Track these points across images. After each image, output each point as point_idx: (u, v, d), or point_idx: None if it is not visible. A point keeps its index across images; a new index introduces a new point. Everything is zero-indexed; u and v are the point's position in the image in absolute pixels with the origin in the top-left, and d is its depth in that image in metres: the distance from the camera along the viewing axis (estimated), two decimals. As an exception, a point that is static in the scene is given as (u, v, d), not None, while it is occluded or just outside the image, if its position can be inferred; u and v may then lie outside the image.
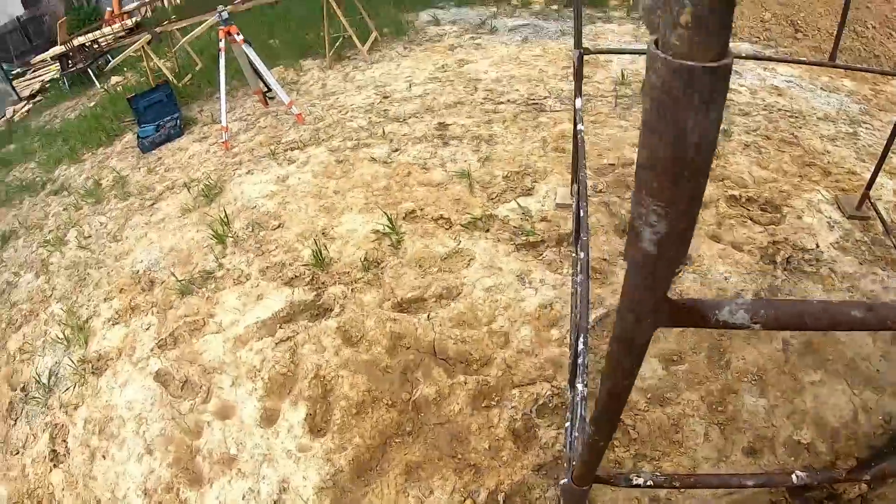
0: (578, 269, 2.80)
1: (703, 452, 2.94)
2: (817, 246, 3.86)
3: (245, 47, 5.91)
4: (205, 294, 4.22)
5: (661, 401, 3.07)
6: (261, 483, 3.07)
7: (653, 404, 3.06)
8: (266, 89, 6.39)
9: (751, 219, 3.99)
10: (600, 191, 4.31)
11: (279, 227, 4.65)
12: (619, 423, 2.99)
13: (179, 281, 4.30)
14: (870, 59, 7.86)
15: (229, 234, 4.67)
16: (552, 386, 3.16)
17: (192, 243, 4.82)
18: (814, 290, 3.60)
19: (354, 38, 7.28)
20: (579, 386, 2.39)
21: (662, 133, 0.66)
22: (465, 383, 3.31)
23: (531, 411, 3.17)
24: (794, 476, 2.11)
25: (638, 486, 2.04)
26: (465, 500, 3.01)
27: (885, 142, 3.71)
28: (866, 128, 5.67)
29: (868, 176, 4.02)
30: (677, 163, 0.67)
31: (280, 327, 3.84)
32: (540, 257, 3.84)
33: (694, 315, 0.98)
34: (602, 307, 3.40)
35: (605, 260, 3.70)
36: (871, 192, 4.04)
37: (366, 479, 3.06)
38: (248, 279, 4.24)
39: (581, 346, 2.31)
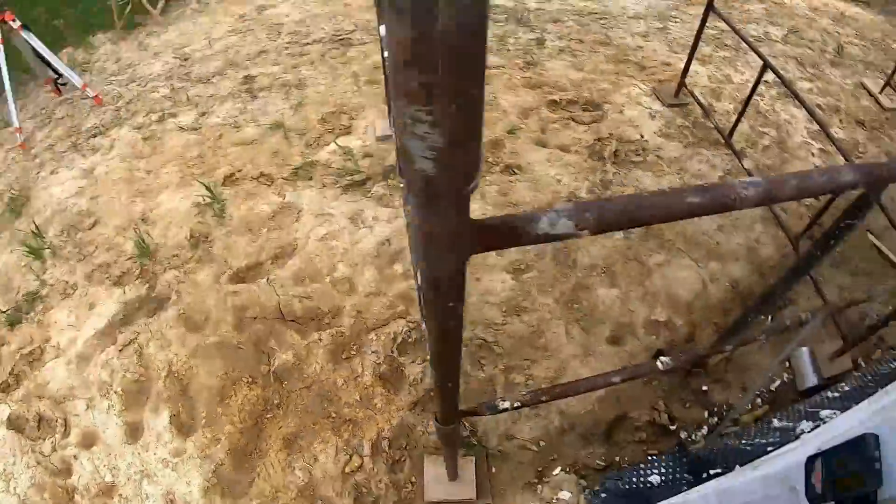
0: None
1: (569, 351, 2.97)
2: (642, 136, 3.99)
3: (24, 33, 5.13)
4: (34, 318, 3.69)
5: (517, 311, 3.05)
6: (146, 503, 2.77)
7: (510, 316, 3.04)
8: (56, 76, 5.62)
9: (573, 119, 4.05)
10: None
11: (95, 224, 4.13)
12: (483, 342, 2.94)
13: (4, 312, 3.73)
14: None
15: (45, 246, 4.11)
16: (407, 321, 3.05)
17: (9, 266, 4.20)
18: (644, 178, 3.72)
19: (144, 1, 6.56)
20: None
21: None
22: (321, 340, 3.13)
23: (392, 351, 3.05)
24: (659, 363, 2.12)
25: (505, 410, 1.97)
26: (350, 458, 2.87)
27: (694, 33, 3.85)
28: (675, 22, 5.97)
29: (682, 66, 4.17)
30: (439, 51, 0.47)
31: (119, 332, 3.44)
32: (369, 195, 3.67)
33: (508, 234, 0.86)
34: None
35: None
36: (686, 80, 4.21)
37: (249, 465, 2.86)
38: (75, 289, 3.75)
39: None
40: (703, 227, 3.52)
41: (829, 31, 5.81)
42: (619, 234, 3.33)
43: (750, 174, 3.54)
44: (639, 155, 3.86)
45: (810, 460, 1.33)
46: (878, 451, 1.17)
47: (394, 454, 2.85)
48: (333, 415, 3.00)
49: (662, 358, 1.93)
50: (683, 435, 2.88)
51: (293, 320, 3.18)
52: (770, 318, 3.27)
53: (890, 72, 4.85)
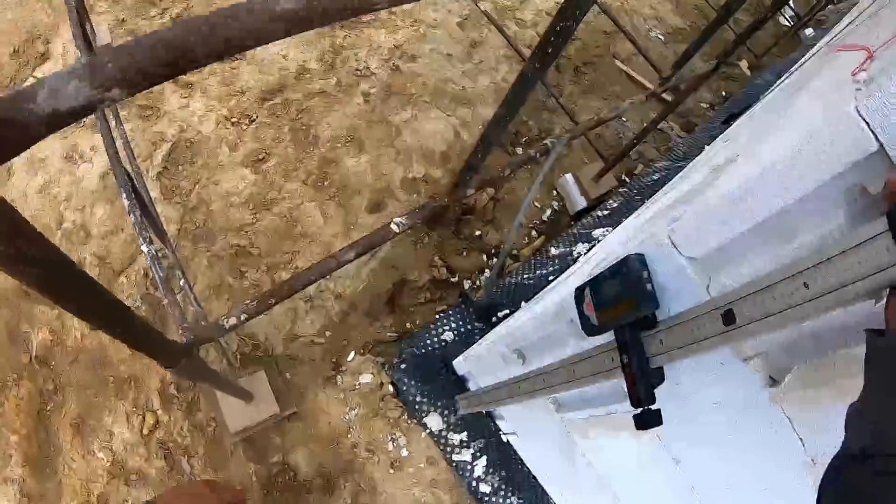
0: (111, 118, 2.27)
1: (330, 231, 2.79)
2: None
3: None
4: None
5: (266, 205, 2.79)
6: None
7: (260, 212, 2.77)
8: None
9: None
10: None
11: None
12: (238, 248, 2.67)
13: None
14: None
15: None
16: (155, 250, 2.71)
17: None
18: (378, 35, 3.48)
19: None
20: (144, 247, 1.94)
21: None
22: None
23: (147, 289, 2.71)
24: (393, 225, 1.96)
25: (234, 327, 1.74)
26: (143, 418, 2.57)
27: None
28: None
29: None
30: None
31: None
32: (81, 124, 3.15)
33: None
34: (166, 142, 2.92)
35: (151, 93, 3.14)
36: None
37: (50, 469, 2.48)
38: None
39: (126, 201, 1.84)
40: (446, 75, 3.40)
41: None
42: (359, 100, 3.13)
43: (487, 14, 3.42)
44: (368, 15, 3.60)
45: (579, 291, 1.22)
46: (646, 272, 1.04)
47: (185, 397, 2.59)
48: (111, 378, 2.65)
49: (396, 219, 1.78)
50: (467, 285, 2.86)
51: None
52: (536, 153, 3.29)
53: None
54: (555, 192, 3.25)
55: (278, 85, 3.09)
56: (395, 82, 3.25)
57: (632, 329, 1.08)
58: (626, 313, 1.07)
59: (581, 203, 3.16)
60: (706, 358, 0.99)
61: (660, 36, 4.53)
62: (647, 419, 1.06)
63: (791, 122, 0.88)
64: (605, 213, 3.07)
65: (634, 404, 1.07)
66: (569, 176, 3.20)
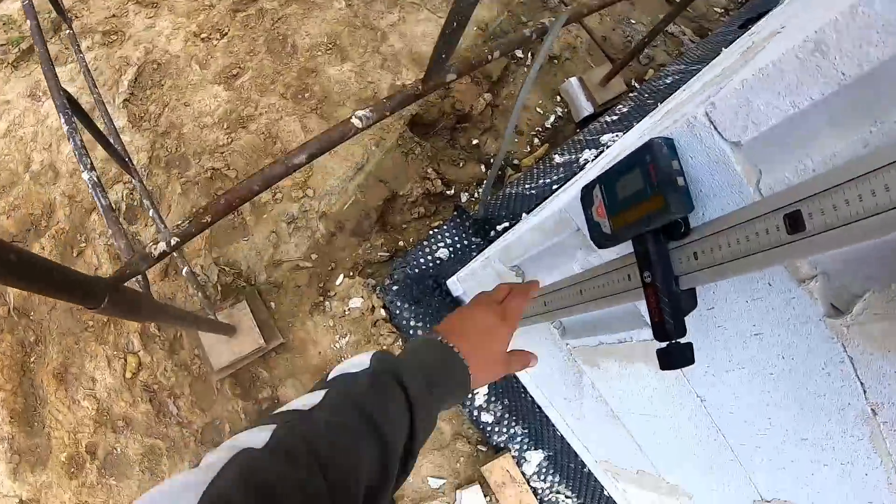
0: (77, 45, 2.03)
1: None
2: None
3: None
4: None
5: (242, 123, 2.53)
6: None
7: (235, 132, 2.52)
8: None
9: None
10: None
11: None
12: (213, 171, 2.44)
13: None
14: None
15: None
16: (125, 184, 2.51)
17: None
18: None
19: None
20: (85, 174, 1.69)
21: None
22: (45, 249, 2.52)
23: (121, 224, 2.49)
24: (354, 120, 1.64)
25: (164, 254, 1.48)
26: (126, 360, 2.41)
27: None
28: None
29: None
30: None
31: None
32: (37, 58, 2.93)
33: None
34: (131, 66, 2.67)
35: (114, 17, 2.88)
36: None
37: (38, 422, 2.40)
38: None
39: (65, 125, 1.60)
40: (436, -26, 3.07)
41: None
42: (340, 4, 2.82)
43: None
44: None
45: (586, 190, 0.89)
46: (676, 161, 0.71)
47: (166, 336, 2.39)
48: (90, 323, 2.47)
49: (359, 112, 1.46)
50: (464, 198, 2.57)
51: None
52: (530, 55, 2.95)
53: None
54: (558, 97, 2.91)
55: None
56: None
57: (656, 239, 0.76)
58: (649, 217, 0.74)
59: (587, 109, 2.82)
60: (752, 278, 0.71)
61: None
62: (675, 356, 0.78)
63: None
64: (614, 118, 2.71)
65: (659, 336, 0.78)
66: (573, 80, 2.85)
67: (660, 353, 0.79)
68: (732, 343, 0.84)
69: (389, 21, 2.80)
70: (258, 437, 0.52)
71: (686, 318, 0.77)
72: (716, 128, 0.66)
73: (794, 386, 0.77)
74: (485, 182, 2.38)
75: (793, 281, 0.68)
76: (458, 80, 2.70)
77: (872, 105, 0.52)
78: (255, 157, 2.47)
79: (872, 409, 0.68)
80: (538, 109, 2.83)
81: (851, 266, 0.63)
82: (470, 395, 2.26)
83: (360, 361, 0.71)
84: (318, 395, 0.62)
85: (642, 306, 0.87)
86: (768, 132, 0.61)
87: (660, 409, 1.19)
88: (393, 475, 0.61)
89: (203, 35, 2.71)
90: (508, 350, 0.88)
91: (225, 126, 2.52)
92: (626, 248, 0.85)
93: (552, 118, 2.85)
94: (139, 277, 1.35)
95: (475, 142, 2.68)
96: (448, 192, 2.54)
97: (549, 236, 1.18)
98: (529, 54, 2.92)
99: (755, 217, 0.61)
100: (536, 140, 2.78)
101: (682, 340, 0.77)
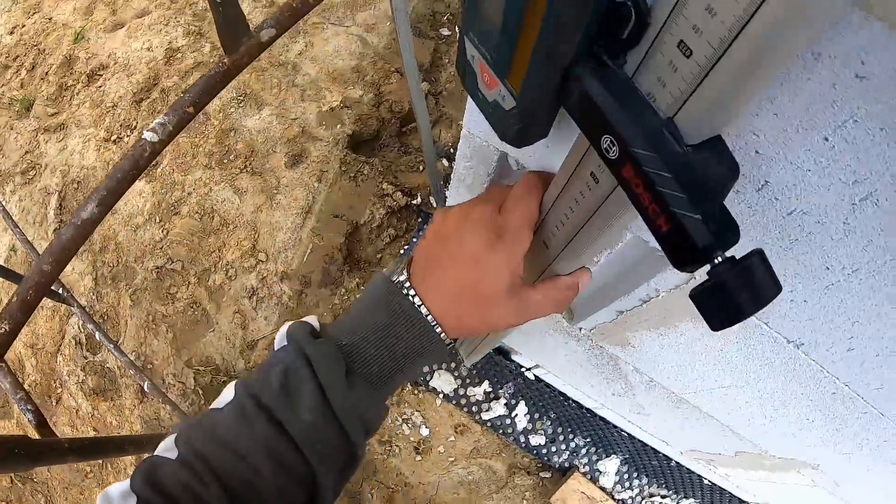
0: None
1: (251, 206, 2.26)
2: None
3: None
4: None
5: (172, 210, 2.29)
6: None
7: (168, 221, 2.28)
8: None
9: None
10: None
11: None
12: (157, 269, 2.20)
13: None
14: None
15: None
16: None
17: None
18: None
19: None
20: None
21: None
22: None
23: (86, 357, 2.27)
24: (147, 135, 1.33)
25: None
26: None
27: None
28: None
29: None
30: None
31: None
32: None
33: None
34: (52, 194, 2.47)
35: (28, 153, 2.73)
36: None
37: None
38: None
39: None
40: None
41: None
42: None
43: None
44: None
45: (462, 62, 0.40)
46: None
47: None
48: (87, 470, 2.26)
49: (151, 126, 1.17)
50: (434, 201, 2.25)
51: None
52: (457, 28, 2.65)
53: None
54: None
55: (150, 79, 2.60)
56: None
57: (593, 68, 0.34)
58: (547, 28, 0.33)
59: None
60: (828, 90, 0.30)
61: None
62: (734, 292, 0.32)
63: None
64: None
65: (682, 258, 0.34)
66: None
67: (701, 296, 0.34)
68: (825, 234, 0.41)
69: (296, 51, 2.55)
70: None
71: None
72: None
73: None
74: (434, 182, 2.06)
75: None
76: (389, 81, 2.42)
77: None
78: (197, 239, 2.21)
79: None
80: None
81: None
82: (508, 419, 1.88)
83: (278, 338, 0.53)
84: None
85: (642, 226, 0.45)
86: None
87: (736, 377, 0.77)
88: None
89: (113, 137, 2.51)
90: (531, 280, 0.56)
91: (157, 220, 2.27)
92: (564, 131, 0.48)
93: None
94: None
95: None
96: (414, 202, 2.22)
97: (472, 175, 0.81)
98: (456, 27, 2.62)
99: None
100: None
101: (729, 254, 0.33)
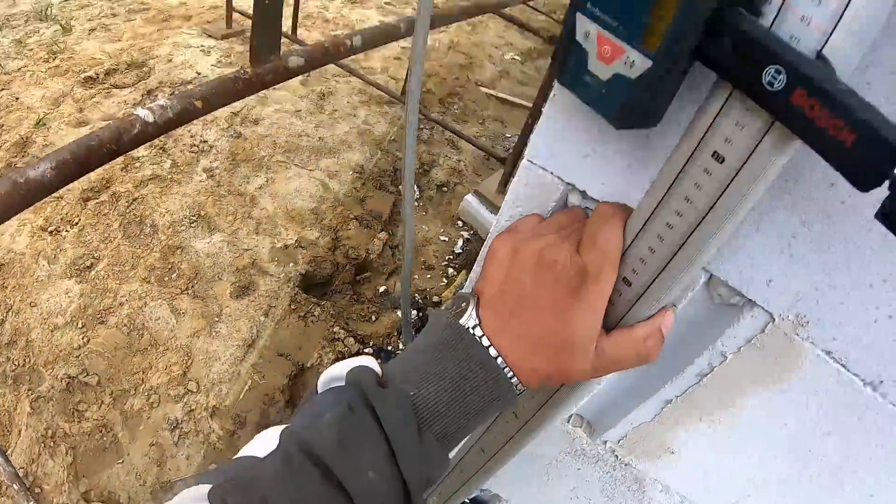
0: None
1: (188, 329, 2.23)
2: (198, 73, 3.37)
3: None
4: None
5: (99, 317, 2.22)
6: None
7: (92, 329, 2.19)
8: None
9: (115, 86, 3.26)
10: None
11: None
12: (70, 380, 2.08)
13: None
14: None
15: None
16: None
17: None
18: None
19: None
20: None
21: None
22: None
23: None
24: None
25: None
26: None
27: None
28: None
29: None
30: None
31: None
32: None
33: None
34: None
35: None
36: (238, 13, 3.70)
37: None
38: None
39: None
40: (298, 129, 3.03)
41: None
42: (201, 177, 2.67)
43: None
44: (197, 90, 3.26)
45: (566, 49, 0.46)
46: None
47: None
48: None
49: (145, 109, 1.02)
50: (389, 346, 2.35)
51: None
52: (418, 188, 2.92)
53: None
54: (460, 222, 2.84)
55: (103, 181, 2.59)
56: (241, 149, 2.82)
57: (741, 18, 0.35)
58: None
59: (492, 219, 2.76)
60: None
61: (516, 57, 4.46)
62: None
63: None
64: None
65: (869, 173, 0.32)
66: (469, 196, 2.80)
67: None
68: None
69: (257, 185, 2.66)
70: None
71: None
72: None
73: None
74: (402, 331, 2.19)
75: None
76: (347, 227, 2.56)
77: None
78: (120, 354, 2.14)
79: None
80: (442, 238, 2.74)
81: None
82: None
83: (336, 374, 0.47)
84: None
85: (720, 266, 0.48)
86: None
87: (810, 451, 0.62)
88: None
89: (51, 228, 2.43)
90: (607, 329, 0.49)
91: (79, 324, 2.18)
92: (650, 151, 0.49)
93: (460, 243, 2.76)
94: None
95: (382, 288, 2.49)
96: (367, 350, 2.30)
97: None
98: (416, 187, 2.87)
99: None
100: (451, 270, 2.65)
101: None
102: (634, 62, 0.40)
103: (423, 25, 0.67)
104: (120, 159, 2.64)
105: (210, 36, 3.78)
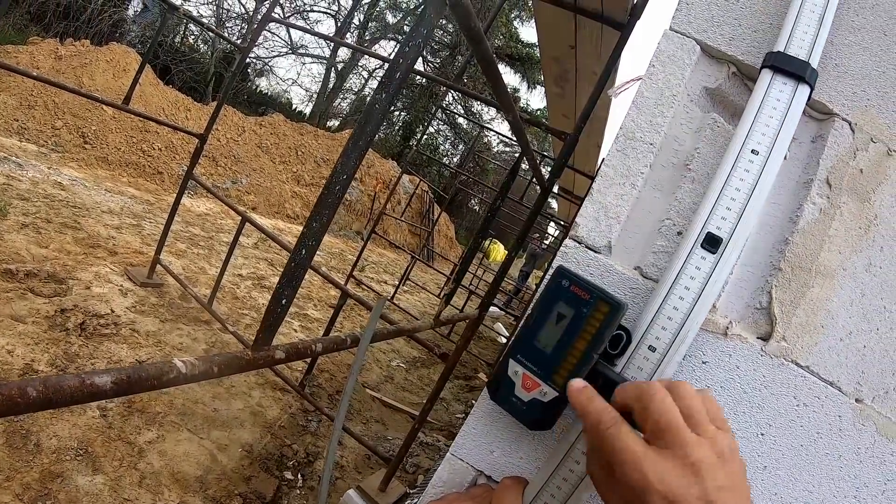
0: None
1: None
2: (112, 311, 3.54)
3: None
4: None
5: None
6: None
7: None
8: None
9: (31, 291, 3.32)
10: None
11: None
12: None
13: None
14: (155, 175, 8.87)
15: None
16: None
17: None
18: (119, 351, 3.24)
19: None
20: None
21: None
22: None
23: None
24: None
25: None
26: None
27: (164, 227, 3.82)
28: (149, 222, 5.99)
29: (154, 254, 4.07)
30: None
31: None
32: None
33: None
34: None
35: None
36: (162, 266, 4.05)
37: None
38: None
39: None
40: (195, 395, 3.19)
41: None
42: (94, 413, 2.69)
43: (242, 342, 3.46)
44: (110, 328, 3.38)
45: (495, 385, 0.76)
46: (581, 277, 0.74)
47: None
48: None
49: None
50: None
51: None
52: (300, 475, 3.06)
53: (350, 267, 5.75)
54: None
55: (-5, 380, 2.54)
56: (138, 398, 2.91)
57: (602, 366, 0.69)
58: (600, 334, 0.66)
59: None
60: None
61: (402, 364, 5.01)
62: None
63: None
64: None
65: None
66: (351, 491, 2.92)
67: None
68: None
69: (147, 438, 2.71)
70: None
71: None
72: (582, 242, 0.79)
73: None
74: None
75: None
76: (231, 503, 2.59)
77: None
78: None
79: None
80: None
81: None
82: None
83: None
84: None
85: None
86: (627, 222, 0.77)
87: None
88: None
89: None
90: None
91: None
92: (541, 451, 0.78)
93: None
94: None
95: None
96: None
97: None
98: (300, 475, 2.99)
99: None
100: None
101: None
102: (546, 392, 0.68)
103: (366, 339, 1.19)
104: (19, 365, 2.66)
105: (130, 279, 4.02)
